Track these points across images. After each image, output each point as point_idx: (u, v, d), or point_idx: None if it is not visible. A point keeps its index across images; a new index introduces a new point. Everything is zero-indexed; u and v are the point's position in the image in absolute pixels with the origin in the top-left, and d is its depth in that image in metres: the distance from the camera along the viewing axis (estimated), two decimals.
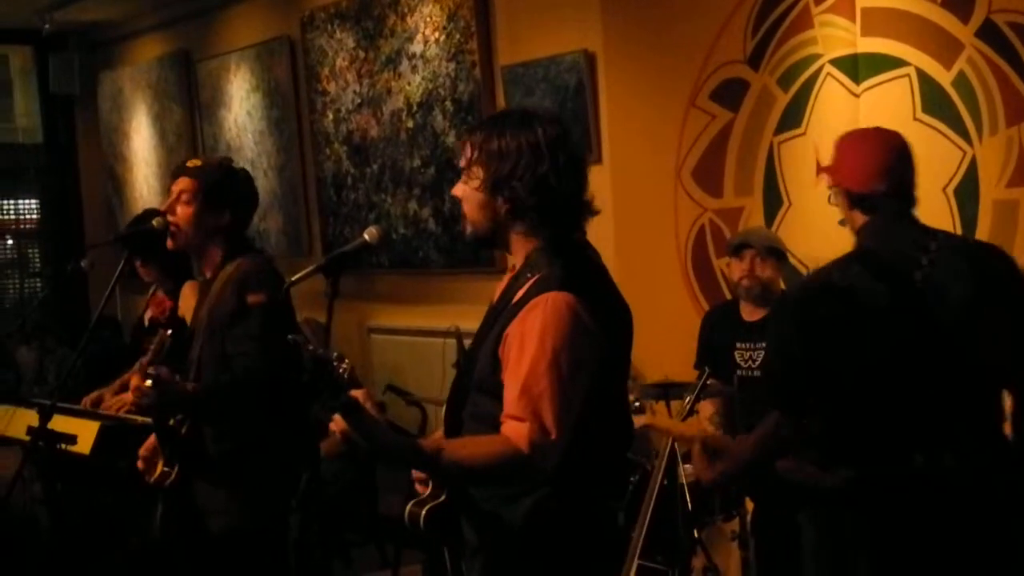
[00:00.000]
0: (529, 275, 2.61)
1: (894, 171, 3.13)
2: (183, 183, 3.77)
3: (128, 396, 4.89)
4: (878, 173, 3.11)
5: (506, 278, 2.73)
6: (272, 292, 3.58)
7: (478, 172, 2.62)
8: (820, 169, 3.23)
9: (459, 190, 2.68)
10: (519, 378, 2.49)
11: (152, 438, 3.77)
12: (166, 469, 3.68)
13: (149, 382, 3.43)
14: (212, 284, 3.75)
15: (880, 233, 3.10)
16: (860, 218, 3.14)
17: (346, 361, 2.46)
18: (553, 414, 2.46)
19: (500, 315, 2.62)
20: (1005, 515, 2.96)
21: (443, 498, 2.66)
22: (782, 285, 4.68)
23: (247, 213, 3.89)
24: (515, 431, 2.47)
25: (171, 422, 3.67)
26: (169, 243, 3.80)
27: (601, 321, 2.55)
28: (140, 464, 3.77)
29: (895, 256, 3.04)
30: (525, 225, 2.63)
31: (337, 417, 2.47)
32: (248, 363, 3.57)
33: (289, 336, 2.48)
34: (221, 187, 3.77)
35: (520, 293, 2.59)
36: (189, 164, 3.89)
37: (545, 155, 2.58)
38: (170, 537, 3.79)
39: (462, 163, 2.66)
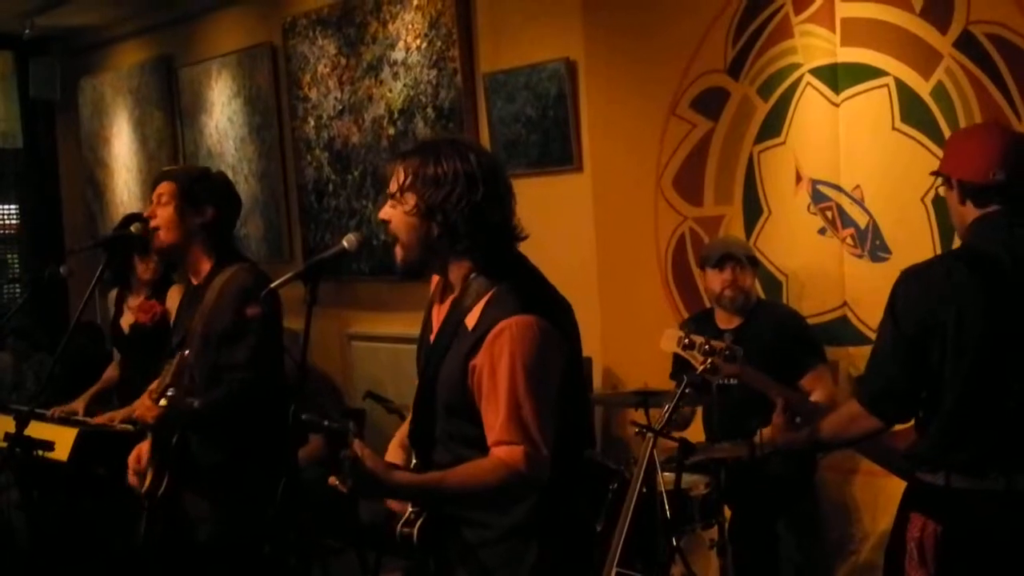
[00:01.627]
0: (476, 297, 2.67)
1: (1015, 164, 3.03)
2: (162, 187, 3.81)
3: (116, 414, 4.90)
4: (997, 164, 3.02)
5: (445, 301, 2.78)
6: (268, 304, 3.60)
7: (410, 198, 2.67)
8: (937, 170, 3.18)
9: (388, 214, 2.73)
10: (502, 405, 2.58)
11: (139, 450, 3.76)
12: (155, 480, 3.68)
13: (164, 402, 3.46)
14: (203, 292, 3.75)
15: (994, 231, 3.02)
16: (972, 212, 3.06)
17: (352, 424, 2.61)
18: (540, 432, 2.58)
19: (455, 339, 2.68)
20: None
21: (426, 514, 2.72)
22: (760, 293, 4.70)
23: (230, 213, 3.90)
24: (511, 455, 2.58)
25: (172, 438, 3.68)
26: (154, 245, 3.82)
27: (561, 330, 2.65)
28: (132, 479, 3.76)
29: (1009, 259, 2.96)
30: (458, 249, 2.70)
31: (340, 479, 2.55)
32: (246, 378, 3.61)
33: (303, 416, 2.59)
34: (199, 185, 3.81)
35: (474, 317, 2.65)
36: (166, 169, 3.94)
37: (479, 184, 2.64)
38: (153, 546, 3.78)
39: (392, 187, 2.71)
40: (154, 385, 3.60)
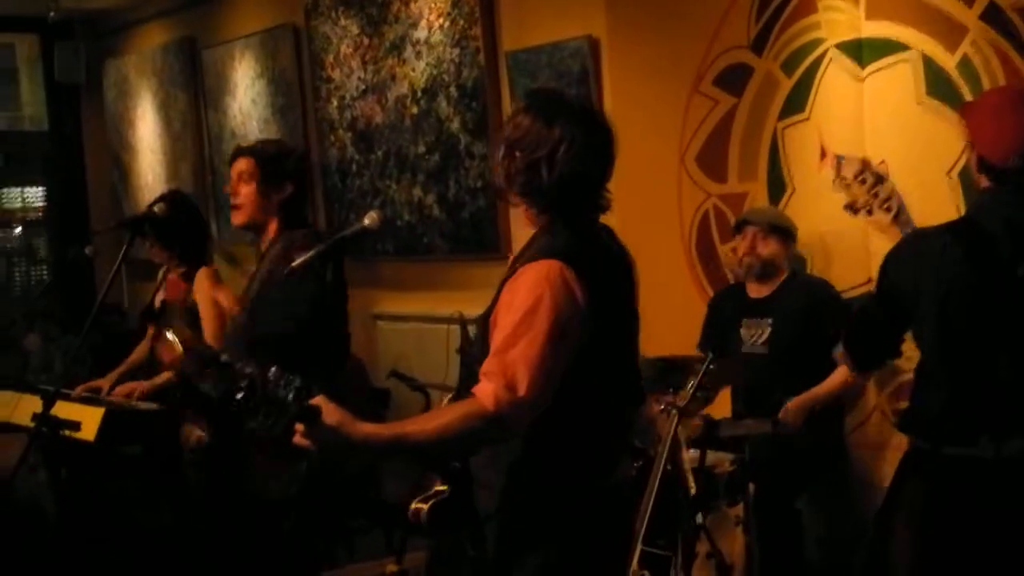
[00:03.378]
0: (527, 251, 2.67)
1: None
2: (241, 163, 3.88)
3: (135, 386, 4.91)
4: (1019, 149, 3.01)
5: (512, 257, 2.79)
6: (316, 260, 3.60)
7: (520, 117, 2.72)
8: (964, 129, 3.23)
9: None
10: (499, 337, 2.52)
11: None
12: (201, 434, 3.71)
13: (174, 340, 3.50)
14: (265, 256, 3.82)
15: (1001, 206, 3.02)
16: (984, 183, 3.07)
17: (287, 375, 2.44)
18: (525, 372, 2.47)
19: (501, 286, 2.66)
20: None
21: (447, 492, 2.67)
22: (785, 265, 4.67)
23: (305, 187, 3.97)
24: (481, 390, 2.49)
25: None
26: (233, 220, 3.88)
27: (595, 292, 2.57)
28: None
29: (1008, 237, 2.95)
30: (519, 197, 2.71)
31: (300, 428, 2.46)
32: (280, 331, 3.59)
33: (222, 358, 2.50)
34: (278, 162, 3.87)
35: (517, 267, 2.64)
36: (243, 145, 3.98)
37: (545, 147, 2.64)
38: (192, 513, 3.79)
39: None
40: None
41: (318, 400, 2.47)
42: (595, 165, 2.74)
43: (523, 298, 2.53)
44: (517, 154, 2.67)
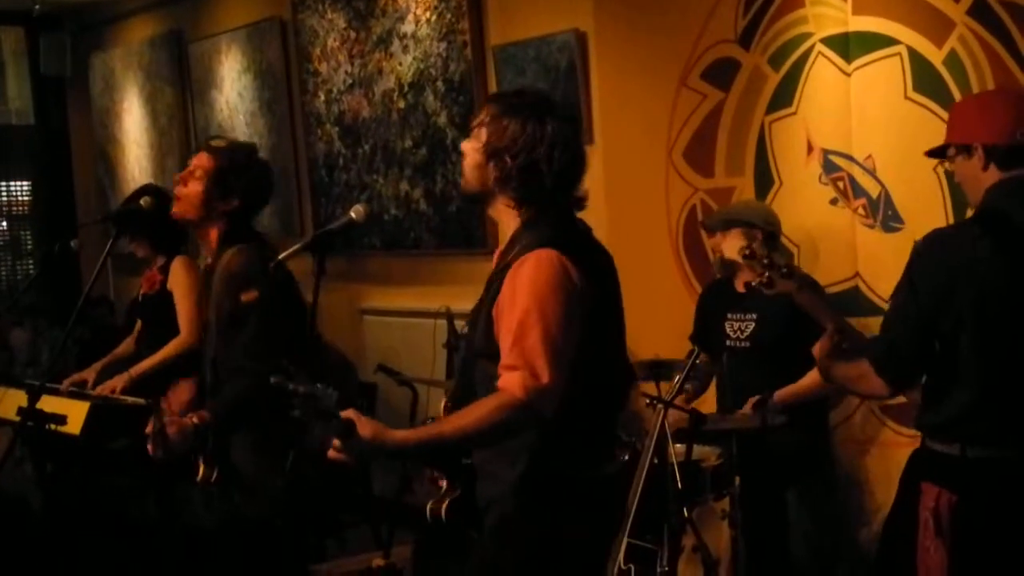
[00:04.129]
0: (517, 245, 2.71)
1: None
2: (201, 159, 3.78)
3: (114, 383, 4.90)
4: (1016, 123, 2.95)
5: (498, 251, 2.82)
6: (264, 284, 3.57)
7: (482, 135, 2.74)
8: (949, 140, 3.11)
9: (465, 145, 2.80)
10: (511, 331, 2.59)
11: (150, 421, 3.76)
12: (207, 470, 3.68)
13: (173, 429, 3.50)
14: (211, 276, 3.74)
15: (1015, 196, 2.95)
16: (993, 177, 2.99)
17: (330, 388, 2.58)
18: (544, 360, 2.55)
19: (494, 280, 2.72)
20: None
21: (459, 491, 2.74)
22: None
23: (257, 204, 3.86)
24: (509, 380, 2.57)
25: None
26: (172, 210, 3.80)
27: (589, 278, 2.66)
28: (150, 447, 3.75)
29: None
30: (511, 198, 2.74)
31: (336, 443, 2.57)
32: (249, 381, 3.55)
33: (272, 378, 2.57)
34: (234, 173, 3.74)
35: (509, 258, 2.69)
36: (213, 143, 3.88)
37: (543, 145, 2.69)
38: (214, 523, 3.78)
39: (475, 121, 2.78)
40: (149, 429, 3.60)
41: (350, 413, 2.58)
42: (582, 158, 2.80)
43: (528, 288, 2.60)
44: (508, 159, 2.69)
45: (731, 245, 3.36)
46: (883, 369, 3.05)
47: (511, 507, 2.70)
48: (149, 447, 3.55)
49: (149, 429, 3.54)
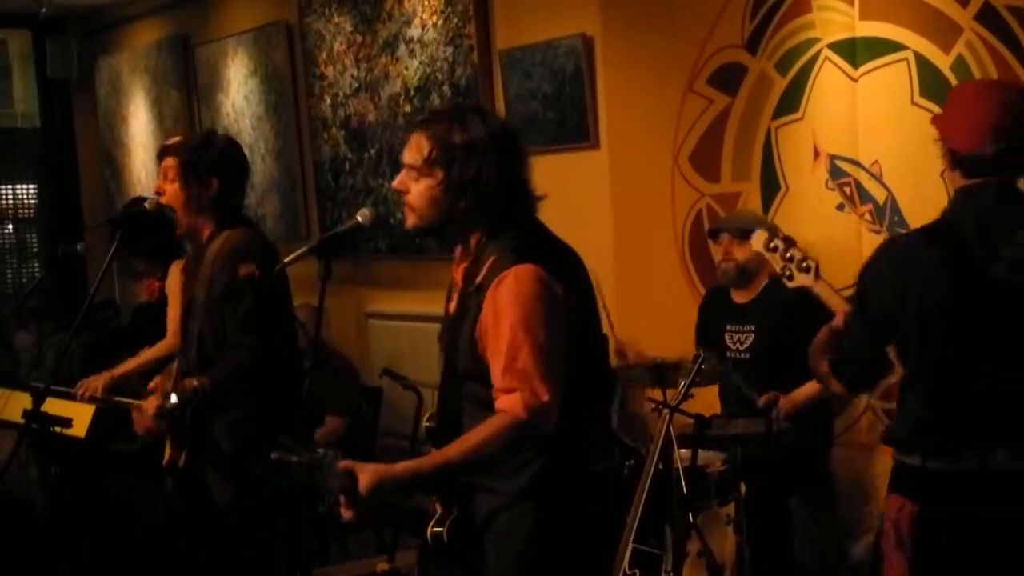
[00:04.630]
0: (486, 257, 2.68)
1: (1007, 133, 2.87)
2: (167, 163, 3.80)
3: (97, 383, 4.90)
4: (990, 132, 2.88)
5: (461, 264, 2.78)
6: (263, 263, 3.58)
7: (438, 172, 2.65)
8: (933, 119, 3.07)
9: (406, 185, 2.70)
10: (502, 354, 2.57)
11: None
12: (174, 453, 3.69)
13: (169, 404, 3.46)
14: (201, 257, 3.74)
15: (974, 205, 2.90)
16: (959, 180, 2.95)
17: (329, 451, 2.60)
18: (541, 378, 2.55)
19: (469, 299, 2.69)
20: None
21: (456, 511, 2.72)
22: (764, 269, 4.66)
23: (236, 180, 3.85)
24: (509, 402, 2.56)
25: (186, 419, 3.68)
26: (179, 230, 3.83)
27: (567, 285, 2.64)
28: (150, 402, 3.75)
29: (979, 238, 2.84)
30: (477, 219, 2.70)
31: (343, 500, 2.57)
32: (246, 354, 3.59)
33: (273, 455, 2.59)
34: (200, 156, 3.76)
35: (481, 276, 2.66)
36: (169, 143, 3.91)
37: (507, 154, 2.67)
38: (178, 515, 3.80)
39: (413, 159, 2.68)
40: (154, 383, 3.60)
41: (347, 464, 2.57)
42: (525, 153, 2.77)
43: (511, 308, 2.57)
44: (481, 183, 2.64)
45: (758, 239, 3.38)
46: (837, 373, 3.08)
47: (516, 515, 2.68)
48: (150, 401, 3.58)
49: (153, 385, 3.56)
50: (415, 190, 2.69)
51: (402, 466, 2.60)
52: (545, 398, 2.54)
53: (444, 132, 2.64)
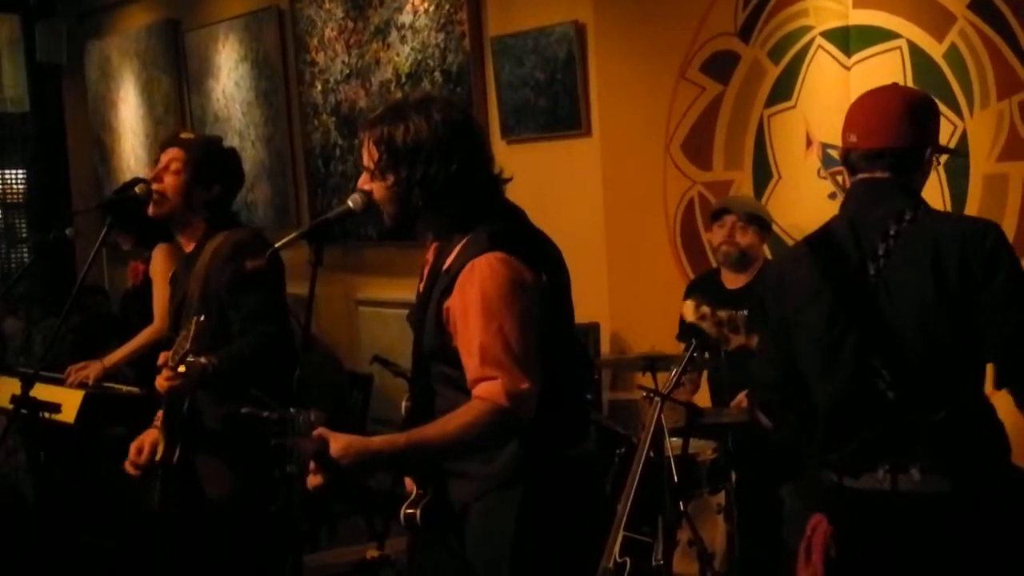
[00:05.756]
0: (456, 240, 2.67)
1: (873, 127, 2.78)
2: (173, 153, 3.78)
3: (89, 371, 4.87)
4: (853, 125, 2.82)
5: (432, 248, 2.79)
6: (269, 256, 3.58)
7: (389, 176, 2.67)
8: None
9: (369, 185, 2.72)
10: (476, 345, 2.56)
11: (139, 442, 3.73)
12: (168, 448, 3.66)
13: (183, 367, 3.43)
14: (196, 256, 3.73)
15: (849, 206, 2.82)
16: (849, 181, 2.86)
17: (303, 412, 2.56)
18: (517, 364, 2.54)
19: (435, 283, 2.68)
20: (986, 535, 2.67)
21: (430, 494, 2.71)
22: (767, 254, 4.66)
23: (233, 190, 3.90)
24: (489, 389, 2.54)
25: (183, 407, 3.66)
26: (151, 210, 3.78)
27: (539, 270, 2.62)
28: (130, 469, 3.73)
29: (853, 240, 2.74)
30: (439, 208, 2.69)
31: (312, 466, 2.54)
32: (266, 330, 3.58)
33: (243, 409, 2.54)
34: (211, 162, 3.78)
35: (450, 259, 2.66)
36: (181, 135, 3.91)
37: (454, 151, 2.64)
38: (170, 508, 3.78)
39: (367, 162, 2.71)
40: (167, 355, 3.57)
41: (321, 430, 2.55)
42: (480, 148, 2.74)
43: (481, 297, 2.56)
44: (428, 182, 2.63)
45: (687, 308, 3.45)
46: (762, 405, 3.00)
47: (500, 501, 2.67)
48: (158, 380, 3.56)
49: (163, 360, 3.53)
50: (376, 190, 2.71)
51: (378, 440, 2.58)
52: (525, 385, 2.53)
53: (388, 136, 2.65)
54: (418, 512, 2.70)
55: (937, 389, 2.67)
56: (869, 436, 2.72)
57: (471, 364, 2.57)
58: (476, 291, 2.56)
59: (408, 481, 2.79)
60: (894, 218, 2.72)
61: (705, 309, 3.34)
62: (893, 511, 2.71)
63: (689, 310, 3.39)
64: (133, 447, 3.74)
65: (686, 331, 4.64)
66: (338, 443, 2.53)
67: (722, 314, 3.32)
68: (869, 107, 2.86)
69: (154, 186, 3.76)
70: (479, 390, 2.56)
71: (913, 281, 2.66)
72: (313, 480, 2.57)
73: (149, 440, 3.71)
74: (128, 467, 3.72)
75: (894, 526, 2.72)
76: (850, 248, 2.75)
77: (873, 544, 2.76)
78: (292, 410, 2.58)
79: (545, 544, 2.67)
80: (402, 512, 2.73)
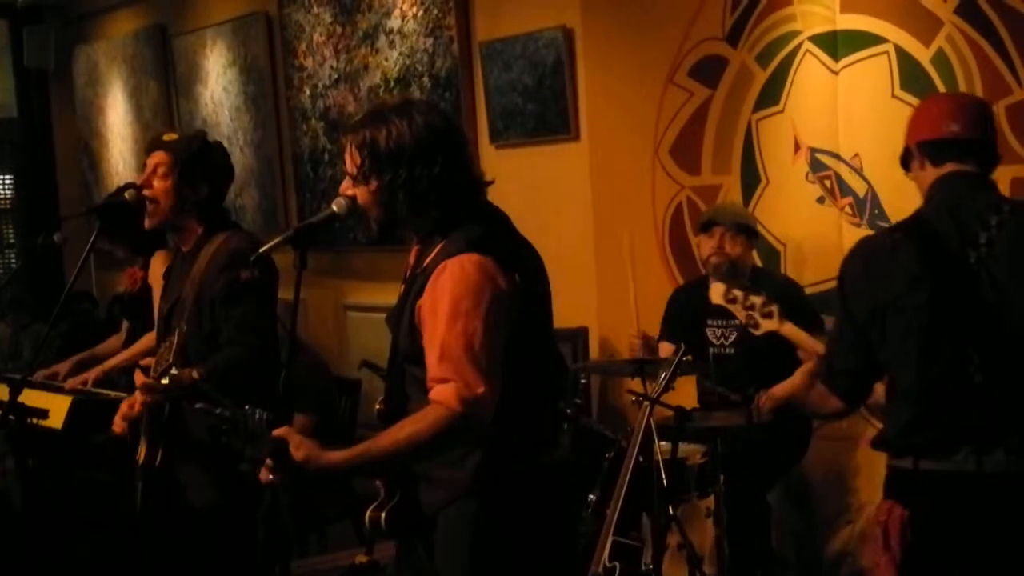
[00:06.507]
0: (435, 243, 2.68)
1: (971, 119, 2.90)
2: (159, 157, 3.75)
3: (88, 375, 4.86)
4: (950, 117, 2.90)
5: (414, 251, 2.80)
6: (263, 267, 3.57)
7: (372, 182, 2.67)
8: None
9: (352, 191, 2.73)
10: (437, 343, 2.55)
11: (131, 400, 3.71)
12: (150, 451, 3.65)
13: (166, 380, 3.42)
14: (194, 260, 3.72)
15: (943, 195, 2.87)
16: (930, 175, 2.91)
17: (259, 412, 2.58)
18: (476, 369, 2.52)
19: (412, 283, 2.69)
20: None
21: (397, 497, 2.71)
22: (757, 261, 4.67)
23: (223, 186, 3.87)
24: (442, 393, 2.53)
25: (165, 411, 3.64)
26: (147, 222, 3.78)
27: (513, 276, 2.61)
28: (119, 424, 3.71)
29: (953, 228, 2.81)
30: (419, 215, 2.70)
31: (268, 463, 2.55)
32: (250, 343, 3.56)
33: (197, 405, 2.54)
34: (197, 160, 3.75)
35: (428, 259, 2.66)
36: (165, 138, 3.87)
37: (436, 155, 2.64)
38: (150, 514, 3.76)
39: (350, 167, 2.70)
40: (150, 361, 3.56)
41: (282, 432, 2.56)
42: (461, 151, 2.74)
43: (449, 297, 2.55)
44: (411, 186, 2.63)
45: (715, 291, 3.43)
46: (831, 386, 3.01)
47: (462, 509, 2.66)
48: (139, 375, 3.54)
49: (146, 362, 3.52)
50: (360, 195, 2.71)
51: (336, 455, 2.57)
52: (480, 390, 2.51)
53: (370, 141, 2.65)
54: (383, 515, 2.69)
55: None
56: (955, 420, 2.78)
57: (432, 362, 2.56)
58: (446, 291, 2.56)
59: (377, 483, 2.79)
60: (994, 209, 2.81)
61: (737, 292, 3.30)
62: (978, 492, 2.76)
63: (718, 293, 3.37)
64: (125, 403, 3.71)
65: (669, 333, 4.66)
66: (299, 453, 2.54)
67: (755, 299, 3.29)
68: (961, 102, 3.04)
69: (144, 192, 3.74)
70: (433, 393, 2.55)
71: (1017, 270, 2.75)
72: (265, 477, 2.57)
73: (139, 398, 3.69)
74: (118, 420, 3.69)
75: (978, 507, 2.76)
76: (950, 235, 2.81)
77: (955, 526, 2.79)
78: (247, 408, 2.58)
79: (503, 556, 2.67)
80: (368, 513, 2.72)
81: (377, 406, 2.86)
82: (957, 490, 2.78)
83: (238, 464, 2.69)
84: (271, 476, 2.56)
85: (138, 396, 3.64)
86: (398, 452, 2.56)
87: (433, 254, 2.65)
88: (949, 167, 2.90)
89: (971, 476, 2.76)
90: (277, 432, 2.56)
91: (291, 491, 2.57)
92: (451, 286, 2.56)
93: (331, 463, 2.56)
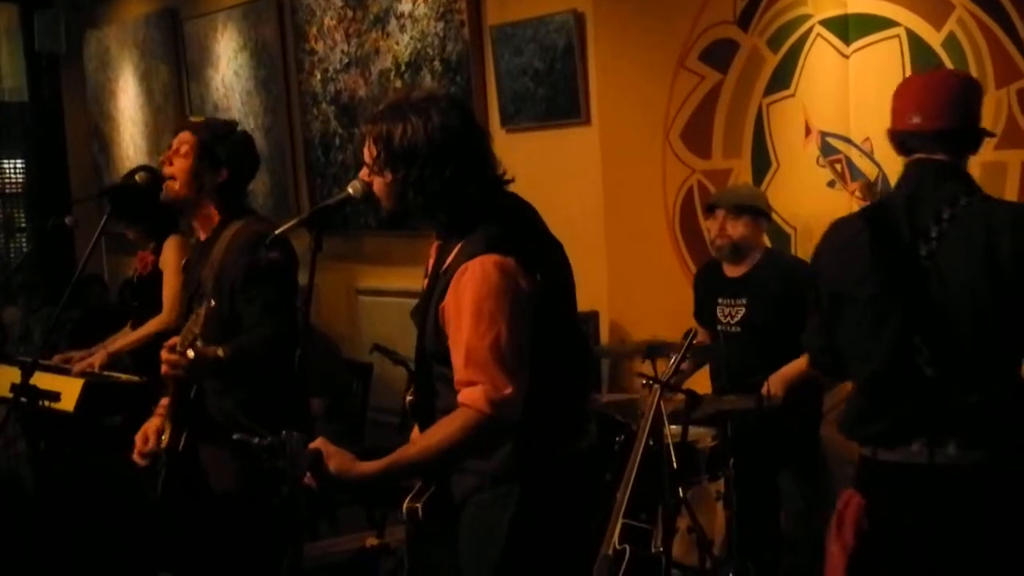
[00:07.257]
0: (455, 241, 2.68)
1: (937, 109, 2.84)
2: (183, 137, 3.78)
3: (94, 359, 4.88)
4: (916, 108, 2.86)
5: (434, 247, 2.80)
6: (285, 251, 3.58)
7: (387, 173, 2.69)
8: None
9: (369, 179, 2.74)
10: (462, 346, 2.59)
11: (145, 430, 3.72)
12: (175, 435, 3.66)
13: (191, 353, 3.42)
14: (212, 246, 3.72)
15: (907, 185, 2.86)
16: (904, 160, 2.91)
17: (294, 433, 2.63)
18: (502, 370, 2.56)
19: (435, 284, 2.70)
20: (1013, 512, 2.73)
21: (433, 487, 2.74)
22: (767, 242, 4.66)
23: (245, 175, 3.86)
24: (471, 396, 2.57)
25: (191, 393, 3.65)
26: (162, 195, 3.78)
27: (536, 274, 2.62)
28: (138, 459, 3.73)
29: (907, 220, 2.79)
30: (433, 211, 2.71)
31: (309, 475, 2.63)
32: (271, 333, 3.57)
33: (235, 436, 2.69)
34: (220, 144, 3.76)
35: (449, 259, 2.67)
36: (193, 119, 3.90)
37: (450, 155, 2.64)
38: (173, 495, 3.78)
39: (367, 158, 2.73)
40: (175, 340, 3.56)
41: (318, 443, 2.64)
42: (479, 150, 2.74)
43: (472, 299, 2.57)
44: (423, 184, 2.64)
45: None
46: (814, 363, 3.09)
47: (489, 500, 2.70)
48: (163, 366, 3.55)
49: (172, 342, 3.52)
50: (375, 184, 2.73)
51: (369, 466, 2.64)
52: (507, 391, 2.55)
53: (387, 136, 2.67)
54: (420, 505, 2.72)
55: (977, 370, 2.74)
56: (905, 412, 2.78)
57: (457, 364, 2.60)
58: (468, 293, 2.58)
59: None
60: (948, 202, 2.78)
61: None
62: (929, 483, 2.76)
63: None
64: (139, 437, 3.72)
65: (698, 313, 4.67)
66: (333, 464, 2.63)
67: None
68: (929, 89, 2.93)
69: (165, 170, 3.76)
70: (462, 396, 2.59)
71: (964, 265, 2.73)
72: (308, 481, 2.65)
73: (153, 428, 3.71)
74: (136, 457, 3.71)
75: (930, 498, 2.77)
76: (903, 227, 2.80)
77: (907, 516, 2.80)
78: (283, 433, 2.64)
79: (536, 545, 2.69)
80: (405, 505, 2.75)
81: (408, 397, 2.89)
82: (910, 481, 2.78)
83: (280, 486, 2.74)
84: (312, 481, 2.64)
85: (150, 427, 3.68)
86: (429, 458, 2.63)
87: (454, 254, 2.66)
88: (917, 155, 2.88)
89: (923, 468, 2.76)
90: (313, 445, 2.63)
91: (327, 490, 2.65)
92: (473, 288, 2.57)
93: (363, 474, 2.64)
